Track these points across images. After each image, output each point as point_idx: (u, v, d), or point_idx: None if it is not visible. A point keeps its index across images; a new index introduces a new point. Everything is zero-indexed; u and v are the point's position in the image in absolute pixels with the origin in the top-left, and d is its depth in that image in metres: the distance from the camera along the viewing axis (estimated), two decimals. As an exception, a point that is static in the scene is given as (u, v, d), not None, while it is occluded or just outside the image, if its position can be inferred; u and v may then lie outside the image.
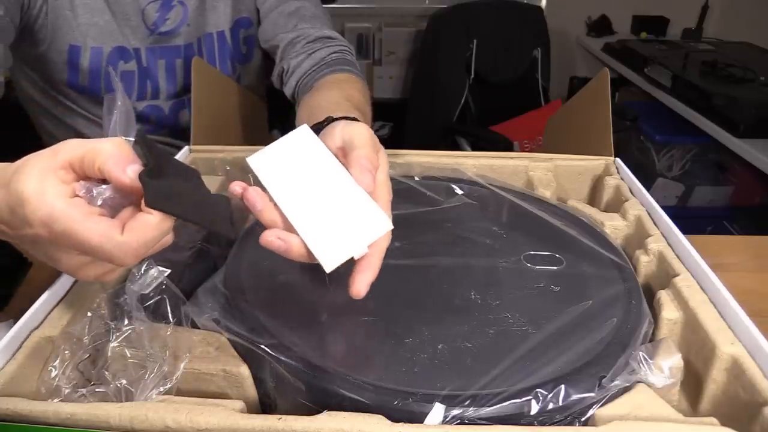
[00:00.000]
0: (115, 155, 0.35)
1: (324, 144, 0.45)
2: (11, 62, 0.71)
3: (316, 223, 0.40)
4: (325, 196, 0.42)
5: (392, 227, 0.41)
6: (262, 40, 0.90)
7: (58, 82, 0.81)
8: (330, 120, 0.52)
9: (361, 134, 0.45)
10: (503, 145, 1.78)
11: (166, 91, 0.86)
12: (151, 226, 0.35)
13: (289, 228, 0.41)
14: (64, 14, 0.74)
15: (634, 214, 0.58)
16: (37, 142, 0.97)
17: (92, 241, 0.34)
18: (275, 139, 0.46)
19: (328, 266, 0.39)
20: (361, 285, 0.40)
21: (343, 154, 0.45)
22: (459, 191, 0.60)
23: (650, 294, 0.49)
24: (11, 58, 0.71)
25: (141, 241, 0.35)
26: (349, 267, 0.40)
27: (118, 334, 0.40)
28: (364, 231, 0.40)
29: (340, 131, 0.46)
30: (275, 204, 0.41)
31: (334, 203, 0.41)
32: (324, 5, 0.91)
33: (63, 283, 0.46)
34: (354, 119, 0.52)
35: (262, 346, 0.39)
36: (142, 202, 0.35)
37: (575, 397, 0.36)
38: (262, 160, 0.44)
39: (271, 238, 0.40)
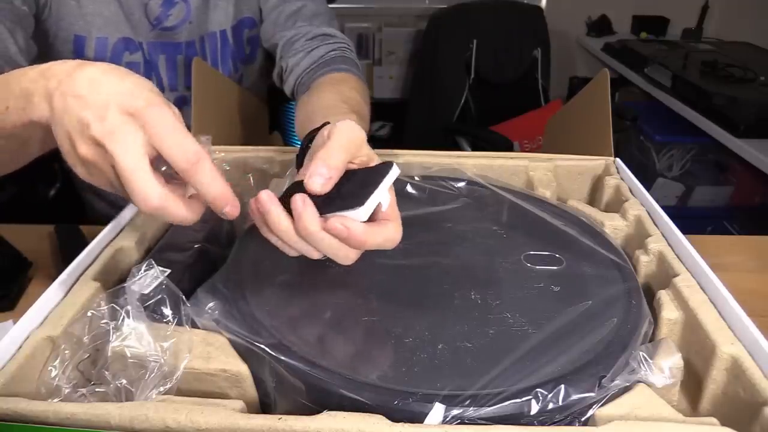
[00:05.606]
0: None
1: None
2: (35, 52, 0.71)
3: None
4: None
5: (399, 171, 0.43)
6: (264, 39, 0.90)
7: None
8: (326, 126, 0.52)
9: (339, 131, 0.45)
10: (503, 145, 1.79)
11: (168, 87, 0.86)
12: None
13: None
14: (69, 4, 0.75)
15: (634, 214, 0.58)
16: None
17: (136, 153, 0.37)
18: (276, 140, 0.46)
19: (363, 214, 0.41)
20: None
21: None
22: (459, 191, 0.60)
23: (650, 294, 0.49)
24: (35, 48, 0.71)
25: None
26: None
27: (118, 334, 0.40)
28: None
29: (327, 131, 0.47)
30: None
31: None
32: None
33: (63, 283, 0.46)
34: None
35: (262, 346, 0.39)
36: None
37: (575, 397, 0.36)
38: None
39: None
